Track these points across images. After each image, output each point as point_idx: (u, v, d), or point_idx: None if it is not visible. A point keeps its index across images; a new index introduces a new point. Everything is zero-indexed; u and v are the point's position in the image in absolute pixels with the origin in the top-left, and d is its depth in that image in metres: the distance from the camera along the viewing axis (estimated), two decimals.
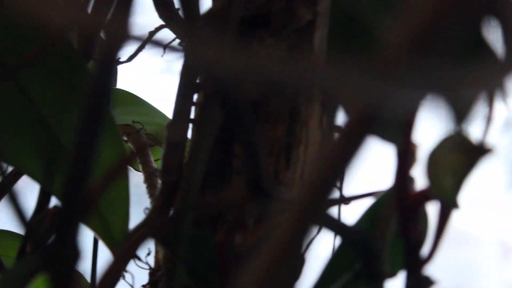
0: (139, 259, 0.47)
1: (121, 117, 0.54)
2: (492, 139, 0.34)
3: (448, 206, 0.35)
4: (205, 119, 0.44)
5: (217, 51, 0.24)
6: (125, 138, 0.54)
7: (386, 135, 0.36)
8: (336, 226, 0.38)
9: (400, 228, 0.36)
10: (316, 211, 0.22)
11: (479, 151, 0.34)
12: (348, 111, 0.21)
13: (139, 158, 0.52)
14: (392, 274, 0.39)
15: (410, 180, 0.36)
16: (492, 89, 0.29)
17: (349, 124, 0.21)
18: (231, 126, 0.41)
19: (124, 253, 0.36)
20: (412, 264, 0.36)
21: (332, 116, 0.43)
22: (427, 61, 0.20)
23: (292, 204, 0.22)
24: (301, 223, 0.22)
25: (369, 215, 0.39)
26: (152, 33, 0.48)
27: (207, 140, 0.44)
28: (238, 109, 0.34)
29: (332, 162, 0.22)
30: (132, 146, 0.53)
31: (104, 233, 0.43)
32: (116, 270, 0.34)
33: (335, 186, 0.23)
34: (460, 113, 0.33)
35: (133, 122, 0.54)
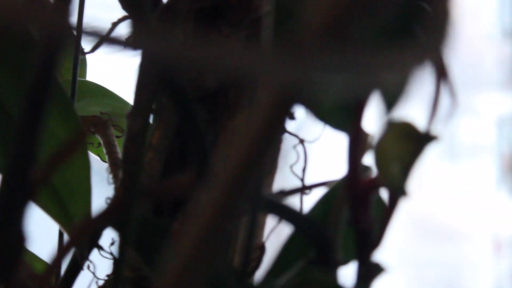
0: (102, 248, 0.47)
1: (89, 108, 0.55)
2: (437, 126, 0.35)
3: (396, 193, 0.35)
4: (165, 108, 0.44)
5: (170, 42, 0.24)
6: (93, 130, 0.54)
7: (335, 123, 0.36)
8: (289, 214, 0.38)
9: (351, 216, 0.37)
10: (239, 194, 0.23)
11: (425, 138, 0.34)
12: (264, 94, 0.22)
13: (106, 149, 0.53)
14: (345, 262, 0.39)
15: (361, 168, 0.37)
16: (425, 72, 0.29)
17: (266, 107, 0.22)
18: (179, 115, 0.41)
19: (74, 235, 0.36)
20: (363, 251, 0.37)
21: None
22: (347, 45, 0.21)
23: (213, 187, 0.22)
24: (223, 206, 0.22)
25: (322, 204, 0.40)
26: (115, 24, 0.48)
27: (167, 129, 0.44)
28: (185, 99, 0.34)
29: (253, 144, 0.22)
30: (99, 138, 0.54)
31: (64, 221, 0.43)
32: (65, 251, 0.35)
33: (258, 169, 0.23)
34: (391, 99, 0.33)
35: (101, 113, 0.54)
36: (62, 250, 0.34)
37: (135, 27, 0.33)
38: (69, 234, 0.43)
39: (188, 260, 0.22)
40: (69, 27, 0.31)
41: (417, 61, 0.22)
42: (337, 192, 0.38)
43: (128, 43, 0.30)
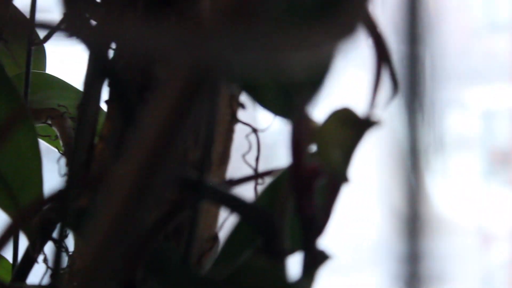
0: (56, 241, 0.47)
1: (47, 101, 0.54)
2: (378, 112, 0.34)
3: (338, 179, 0.35)
4: (116, 98, 0.44)
5: (117, 27, 0.24)
6: (50, 122, 0.54)
7: (276, 109, 0.36)
8: (235, 203, 0.38)
9: (295, 203, 0.37)
10: (153, 174, 0.22)
11: (365, 123, 0.34)
12: (173, 75, 0.21)
13: (63, 141, 0.52)
14: (292, 250, 0.39)
15: (305, 155, 0.36)
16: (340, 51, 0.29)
17: (175, 87, 0.21)
18: (120, 105, 0.41)
19: (15, 220, 0.36)
20: (308, 239, 0.37)
21: (234, 92, 0.43)
22: (253, 24, 0.20)
23: (128, 165, 0.22)
24: (137, 187, 0.22)
25: (269, 192, 0.40)
26: (66, 16, 0.48)
27: (117, 120, 0.44)
28: (125, 88, 0.34)
29: (163, 124, 0.22)
30: (56, 130, 0.53)
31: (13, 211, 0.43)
32: (5, 238, 0.34)
33: (174, 149, 0.23)
34: (315, 80, 0.33)
35: (58, 105, 0.54)
36: (2, 236, 0.34)
37: (68, 14, 0.32)
38: (11, 219, 0.43)
39: (105, 237, 0.22)
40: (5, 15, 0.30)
41: (331, 41, 0.22)
42: (283, 180, 0.38)
43: (73, 32, 0.30)
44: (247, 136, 0.46)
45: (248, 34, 0.20)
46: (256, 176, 0.43)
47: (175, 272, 0.36)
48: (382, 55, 0.34)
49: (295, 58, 0.21)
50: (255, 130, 0.47)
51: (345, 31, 0.22)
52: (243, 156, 0.46)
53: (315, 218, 0.36)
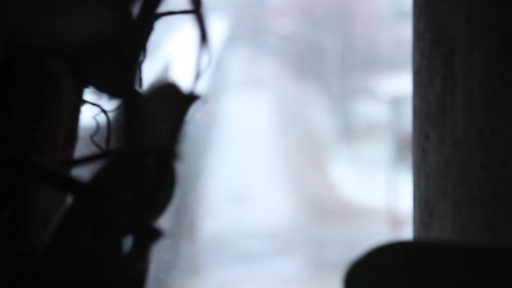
0: None
1: None
2: (200, 87, 0.34)
3: (165, 157, 0.35)
4: None
5: None
6: None
7: (103, 87, 0.36)
8: (69, 183, 0.37)
9: (128, 182, 0.36)
10: None
11: (188, 99, 0.34)
12: None
13: None
14: (131, 229, 0.38)
15: (136, 133, 0.36)
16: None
17: None
18: None
19: None
20: (139, 217, 0.36)
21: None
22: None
23: None
24: None
25: (104, 172, 0.39)
26: None
27: None
28: None
29: None
30: None
31: None
32: None
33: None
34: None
35: None
36: None
37: None
38: None
39: None
40: None
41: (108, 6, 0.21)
42: (117, 160, 0.38)
43: None
44: (94, 116, 0.45)
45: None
46: (99, 156, 0.43)
47: (4, 254, 0.35)
48: (203, 32, 0.34)
49: (73, 24, 0.21)
50: (104, 111, 0.46)
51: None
52: (91, 136, 0.45)
53: (147, 196, 0.36)
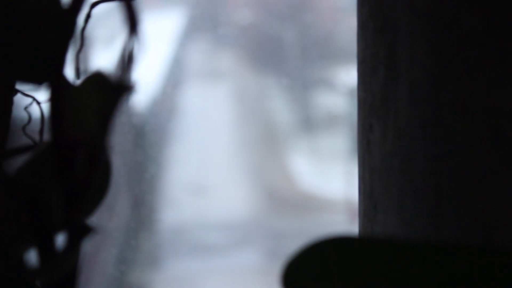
0: None
1: None
2: (134, 75, 0.33)
3: (95, 148, 0.34)
4: None
5: None
6: None
7: (30, 78, 0.34)
8: None
9: (57, 175, 0.35)
10: None
11: (119, 88, 0.32)
12: None
13: None
14: (62, 223, 0.37)
15: (66, 124, 0.35)
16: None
17: None
18: None
19: None
20: (70, 212, 0.35)
21: None
22: None
23: None
24: None
25: (31, 164, 0.38)
26: None
27: None
28: None
29: None
30: None
31: None
32: None
33: None
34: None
35: None
36: None
37: None
38: None
39: None
40: None
41: None
42: (46, 151, 0.36)
43: None
44: (26, 107, 0.44)
45: None
46: (31, 148, 0.41)
47: None
48: (133, 22, 0.32)
49: None
50: (37, 102, 0.45)
51: None
52: (23, 128, 0.44)
53: (76, 190, 0.35)
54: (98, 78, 0.32)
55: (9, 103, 0.43)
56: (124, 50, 0.33)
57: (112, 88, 0.32)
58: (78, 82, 0.33)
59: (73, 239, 0.35)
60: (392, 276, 0.34)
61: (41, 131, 0.45)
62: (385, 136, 0.42)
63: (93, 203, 0.37)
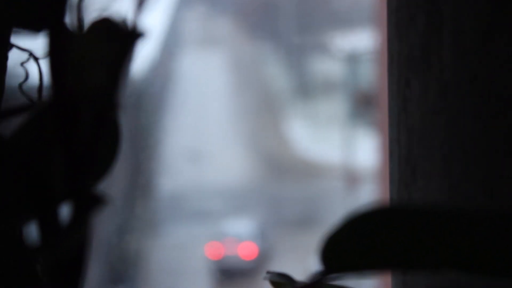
0: None
1: None
2: (144, 22, 0.28)
3: (104, 104, 0.29)
4: None
5: None
6: None
7: (29, 24, 0.30)
8: None
9: (60, 137, 0.30)
10: None
11: (129, 35, 0.28)
12: None
13: None
14: (67, 196, 0.33)
15: (68, 78, 0.30)
16: None
17: None
18: None
19: None
20: (76, 180, 0.30)
21: None
22: None
23: None
24: None
25: (29, 126, 0.33)
26: None
27: None
28: None
29: None
30: None
31: None
32: None
33: None
34: None
35: None
36: None
37: None
38: None
39: None
40: None
41: None
42: (45, 111, 0.32)
43: None
44: (23, 63, 0.39)
45: None
46: (28, 108, 0.37)
47: None
48: None
49: None
50: (35, 58, 0.40)
51: None
52: (20, 85, 0.39)
53: (82, 154, 0.30)
54: (105, 24, 0.28)
55: (4, 59, 0.39)
56: None
57: (122, 36, 0.27)
58: (83, 29, 0.28)
59: (80, 211, 0.30)
60: (443, 249, 0.30)
61: (39, 89, 0.40)
62: (425, 92, 0.37)
63: (101, 169, 0.33)
